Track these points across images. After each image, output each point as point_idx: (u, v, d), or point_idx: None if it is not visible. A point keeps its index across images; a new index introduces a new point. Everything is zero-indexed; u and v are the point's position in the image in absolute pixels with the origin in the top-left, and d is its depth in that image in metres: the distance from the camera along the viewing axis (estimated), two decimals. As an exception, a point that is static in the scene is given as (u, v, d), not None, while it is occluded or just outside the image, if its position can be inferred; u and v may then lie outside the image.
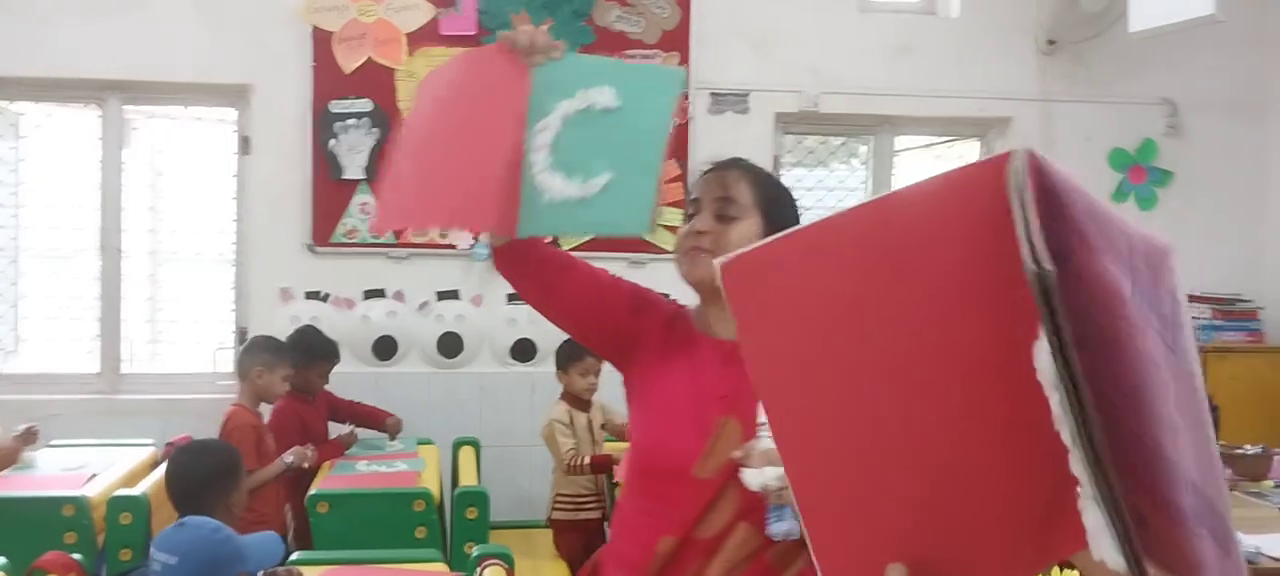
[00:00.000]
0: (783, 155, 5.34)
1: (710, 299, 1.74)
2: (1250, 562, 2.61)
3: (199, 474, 2.82)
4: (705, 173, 1.78)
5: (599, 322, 1.78)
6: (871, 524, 0.85)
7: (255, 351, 4.02)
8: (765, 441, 1.48)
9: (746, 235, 1.68)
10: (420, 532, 3.47)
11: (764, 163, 5.80)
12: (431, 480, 3.84)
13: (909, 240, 0.78)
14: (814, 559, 0.88)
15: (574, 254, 1.83)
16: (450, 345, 4.92)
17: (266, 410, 4.08)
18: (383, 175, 1.72)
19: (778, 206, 1.76)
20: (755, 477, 1.45)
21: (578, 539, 4.15)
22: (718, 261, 0.89)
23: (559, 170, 1.58)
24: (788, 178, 5.38)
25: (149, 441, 4.23)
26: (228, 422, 3.85)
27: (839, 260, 0.83)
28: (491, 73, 1.65)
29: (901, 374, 0.81)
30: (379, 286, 4.95)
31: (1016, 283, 0.70)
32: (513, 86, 1.63)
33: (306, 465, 3.90)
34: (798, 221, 1.75)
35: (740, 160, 1.79)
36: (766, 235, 1.64)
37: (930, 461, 0.81)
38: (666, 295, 1.87)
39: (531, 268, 1.74)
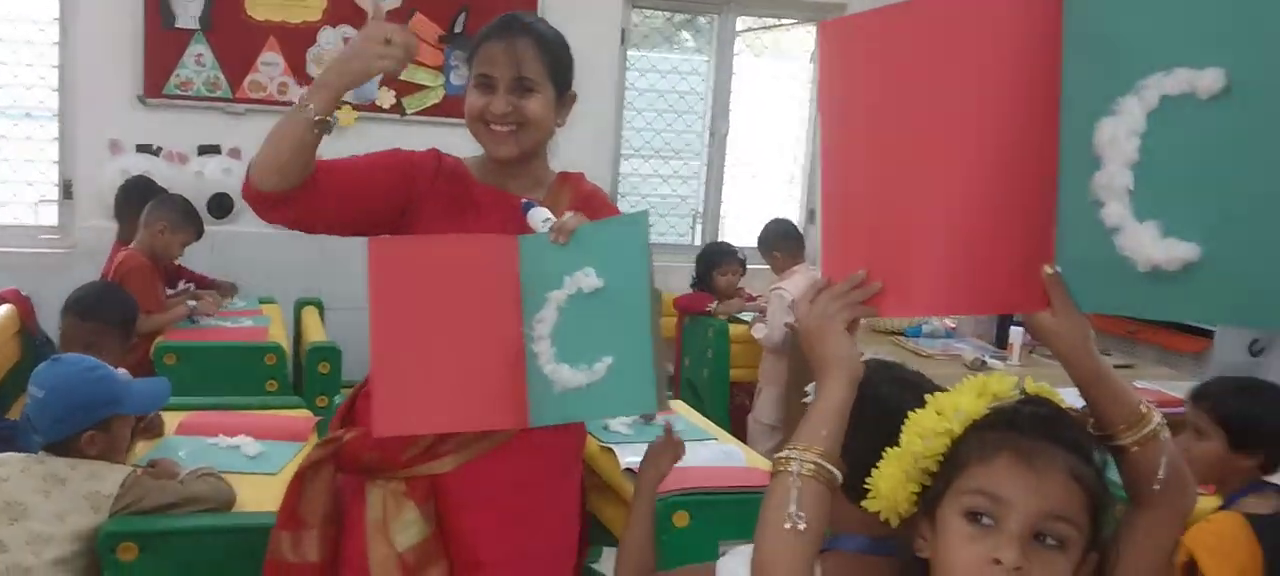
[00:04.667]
0: (628, 30, 5.41)
1: (501, 162, 1.78)
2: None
3: (98, 316, 2.79)
4: (491, 42, 1.74)
5: (369, 216, 1.76)
6: (872, 235, 1.17)
7: (166, 208, 3.92)
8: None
9: (543, 106, 1.75)
10: (271, 386, 3.48)
11: (612, 38, 5.80)
12: (279, 335, 3.83)
13: (968, 15, 1.07)
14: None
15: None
16: (290, 206, 4.83)
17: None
18: (378, 372, 1.62)
19: (561, 68, 1.79)
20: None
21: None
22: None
23: (564, 360, 1.61)
24: (632, 55, 5.47)
25: (-31, 294, 4.03)
26: (124, 264, 3.76)
27: (911, 31, 1.11)
28: (478, 263, 1.65)
29: (941, 115, 1.09)
30: (214, 142, 4.80)
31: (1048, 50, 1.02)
32: (503, 277, 1.64)
33: (208, 316, 3.90)
34: (572, 75, 1.83)
35: (523, 23, 1.77)
36: (557, 101, 1.79)
37: (943, 196, 1.10)
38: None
39: (301, 210, 1.70)
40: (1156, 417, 1.07)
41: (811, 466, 1.08)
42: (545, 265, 1.63)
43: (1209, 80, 0.93)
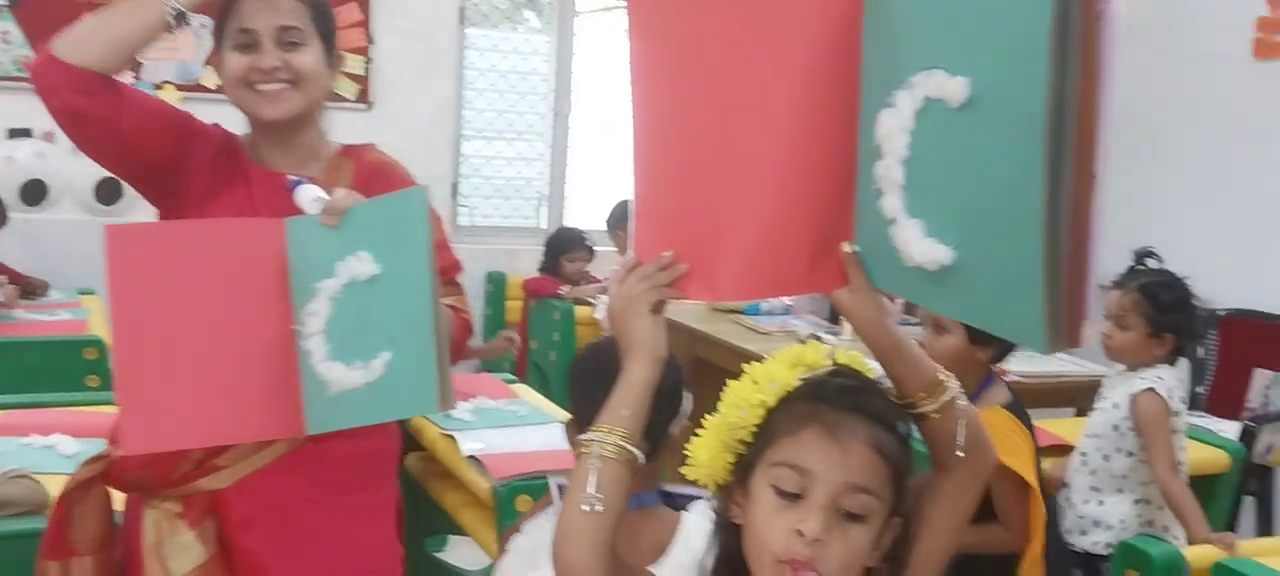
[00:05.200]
0: (467, 8, 5.34)
1: (271, 133, 1.65)
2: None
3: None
4: None
5: (149, 157, 1.61)
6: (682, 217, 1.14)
7: None
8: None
9: (315, 60, 1.62)
10: (92, 382, 3.31)
11: (450, 15, 5.68)
12: (100, 328, 3.65)
13: None
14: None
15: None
16: (110, 190, 4.58)
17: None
18: (122, 380, 1.45)
19: (326, 22, 1.67)
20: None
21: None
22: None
23: (339, 359, 1.45)
24: (472, 34, 5.40)
25: None
26: None
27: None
28: (237, 251, 1.49)
29: (745, 97, 1.08)
30: (25, 125, 4.51)
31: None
32: (268, 266, 1.49)
33: (10, 310, 3.70)
34: (335, 35, 1.69)
35: None
36: (326, 55, 1.65)
37: (750, 175, 1.09)
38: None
39: (101, 109, 1.53)
40: (954, 386, 1.11)
41: (613, 448, 1.10)
42: (316, 251, 1.47)
43: (955, 88, 0.92)
